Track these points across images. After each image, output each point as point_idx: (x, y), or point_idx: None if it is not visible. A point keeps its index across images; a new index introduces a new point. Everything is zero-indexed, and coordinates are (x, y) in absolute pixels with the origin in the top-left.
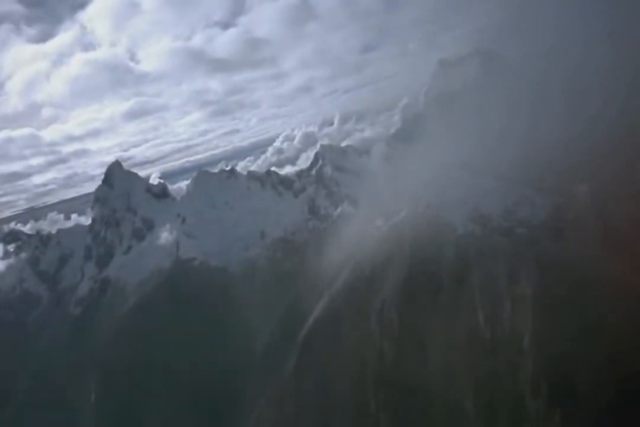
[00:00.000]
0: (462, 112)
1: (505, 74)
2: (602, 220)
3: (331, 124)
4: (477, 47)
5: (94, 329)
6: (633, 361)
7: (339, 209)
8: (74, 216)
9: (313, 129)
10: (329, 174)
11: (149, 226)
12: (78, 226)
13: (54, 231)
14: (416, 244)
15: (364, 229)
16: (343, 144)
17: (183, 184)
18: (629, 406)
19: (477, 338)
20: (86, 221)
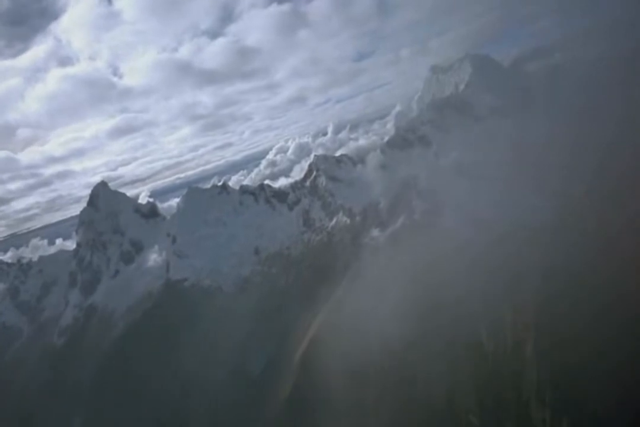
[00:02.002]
0: (456, 116)
1: (497, 77)
2: (602, 221)
3: (325, 134)
4: (468, 51)
5: (79, 360)
6: (638, 369)
7: (334, 220)
8: (58, 241)
9: (307, 139)
10: (323, 185)
11: (138, 248)
12: (62, 252)
13: (35, 258)
14: (414, 252)
15: (360, 240)
16: (337, 154)
17: (174, 202)
18: (635, 414)
19: (479, 348)
20: (72, 245)
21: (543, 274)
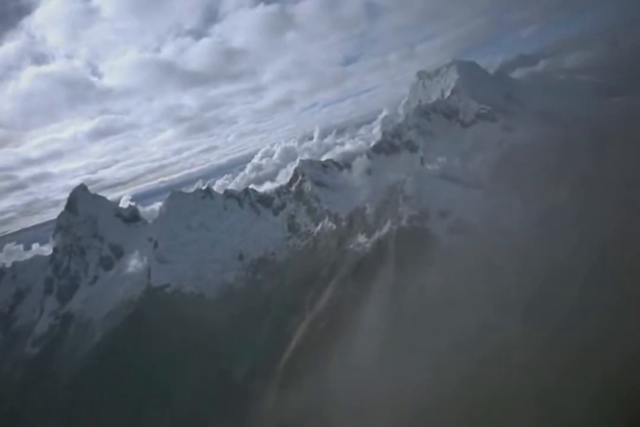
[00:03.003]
0: (442, 122)
1: (483, 83)
2: (584, 225)
3: (311, 138)
4: (454, 57)
5: (54, 370)
6: (628, 375)
7: (319, 226)
8: (35, 246)
9: (293, 144)
10: (309, 190)
11: (118, 253)
12: (38, 257)
13: (9, 264)
14: (401, 259)
15: (346, 246)
16: (323, 159)
17: (158, 206)
18: (627, 421)
19: (466, 354)
20: (48, 251)
21: (527, 277)
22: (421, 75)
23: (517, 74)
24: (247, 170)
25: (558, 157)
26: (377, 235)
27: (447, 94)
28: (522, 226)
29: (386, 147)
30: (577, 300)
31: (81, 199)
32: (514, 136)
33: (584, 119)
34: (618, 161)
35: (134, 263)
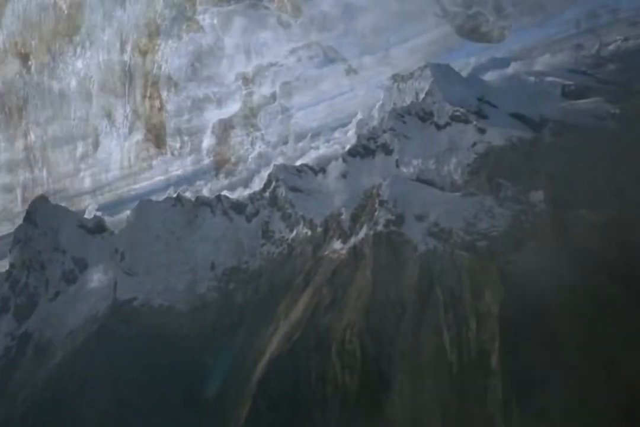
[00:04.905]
0: (417, 124)
1: (457, 86)
2: (559, 227)
3: (285, 142)
4: (428, 60)
5: (10, 395)
6: (603, 378)
7: (294, 232)
8: None
9: (267, 148)
10: (283, 195)
11: (82, 267)
12: None
13: None
14: (377, 266)
15: (321, 252)
16: (298, 163)
17: (126, 215)
18: None
19: (443, 361)
20: (6, 266)
21: (505, 281)
22: (395, 78)
23: (489, 76)
24: (220, 176)
25: (532, 158)
26: (353, 241)
27: (422, 96)
28: (500, 229)
29: (361, 151)
30: (553, 302)
31: (41, 210)
32: (488, 138)
33: (554, 119)
34: (589, 161)
35: (98, 277)
